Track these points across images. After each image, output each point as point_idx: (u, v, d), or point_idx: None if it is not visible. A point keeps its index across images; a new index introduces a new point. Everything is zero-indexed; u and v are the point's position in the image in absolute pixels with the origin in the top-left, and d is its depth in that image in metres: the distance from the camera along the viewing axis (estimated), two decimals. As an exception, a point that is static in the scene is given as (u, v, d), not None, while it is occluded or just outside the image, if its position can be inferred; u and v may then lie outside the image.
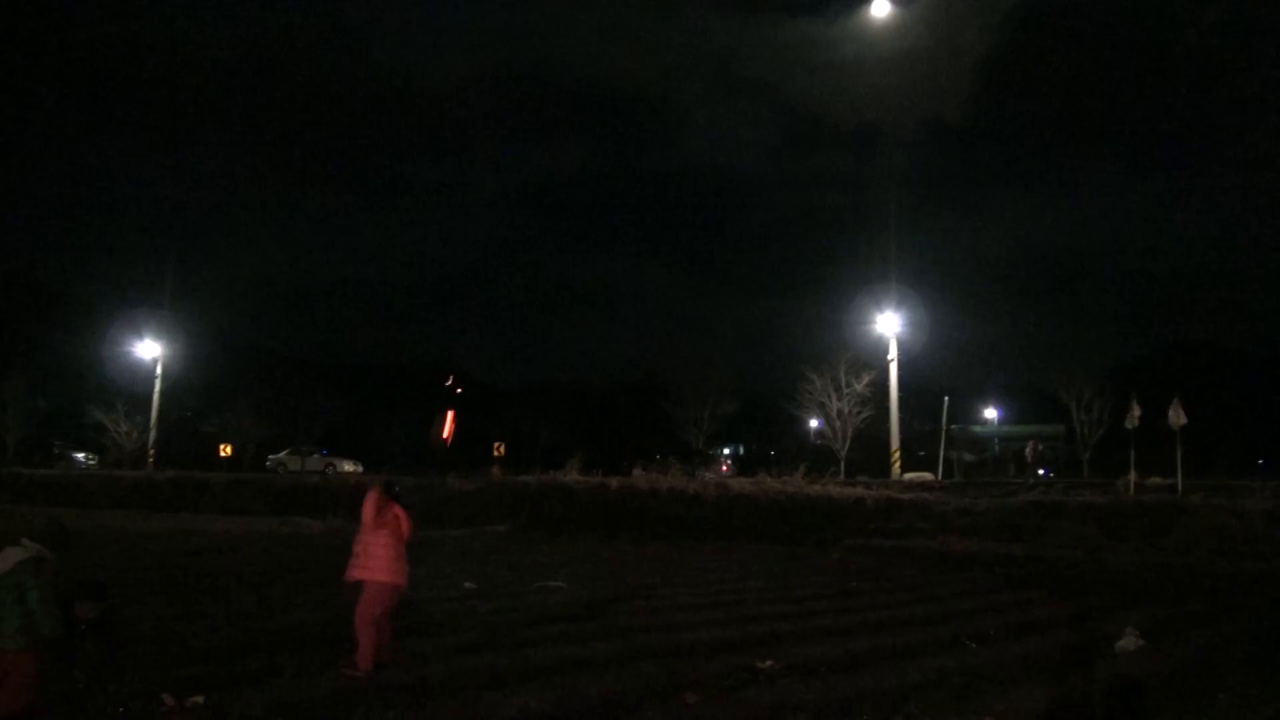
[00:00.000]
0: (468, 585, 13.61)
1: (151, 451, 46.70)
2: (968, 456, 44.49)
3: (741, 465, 51.57)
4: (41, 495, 33.67)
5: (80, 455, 53.21)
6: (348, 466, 44.33)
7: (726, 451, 61.53)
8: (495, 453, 42.52)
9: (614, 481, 29.53)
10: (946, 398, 40.74)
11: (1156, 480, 26.35)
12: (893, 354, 38.73)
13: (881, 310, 39.43)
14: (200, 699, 6.40)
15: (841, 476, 35.11)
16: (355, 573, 7.76)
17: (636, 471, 36.70)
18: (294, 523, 26.98)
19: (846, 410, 40.21)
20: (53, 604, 5.85)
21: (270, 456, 46.84)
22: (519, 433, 54.27)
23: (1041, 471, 42.07)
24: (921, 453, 45.07)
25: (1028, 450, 42.83)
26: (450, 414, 9.11)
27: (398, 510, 7.95)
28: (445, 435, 9.11)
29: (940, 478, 36.41)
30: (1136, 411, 24.97)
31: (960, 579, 15.90)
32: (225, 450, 48.71)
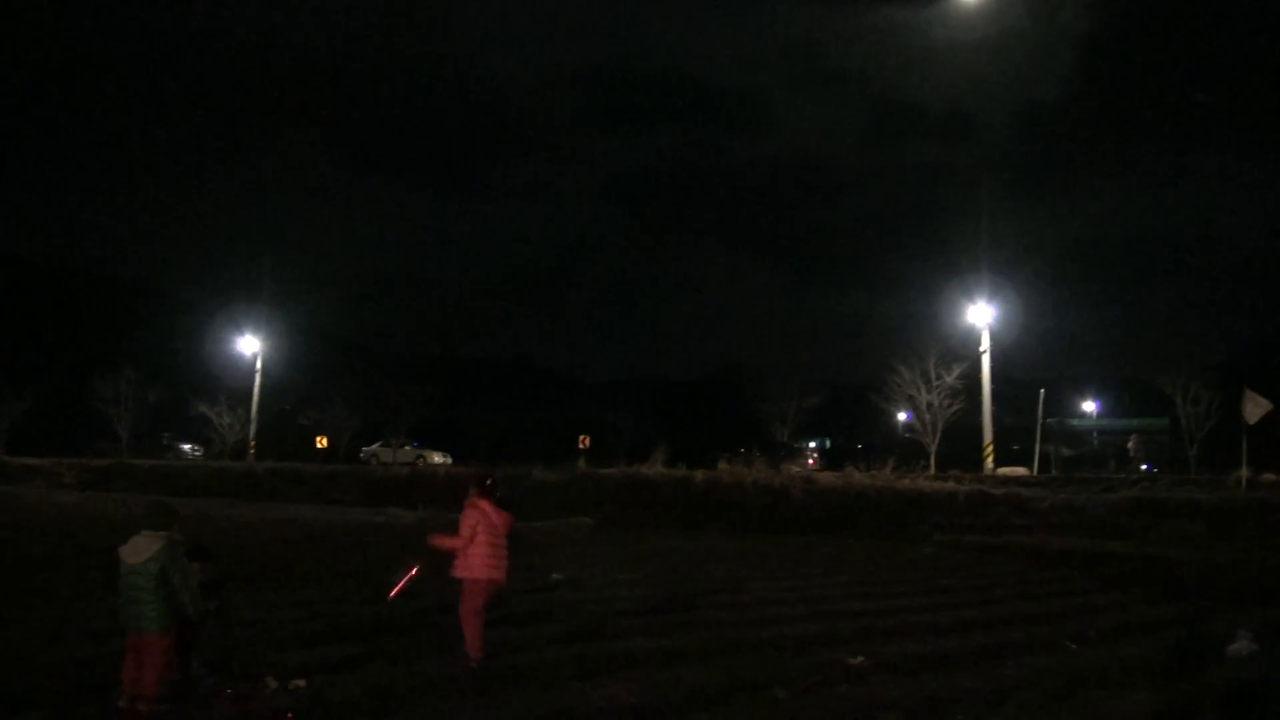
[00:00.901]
0: (555, 577, 13.78)
1: (252, 443, 48.47)
2: (1065, 451, 43.05)
3: (828, 459, 50.94)
4: (152, 484, 35.28)
5: (187, 446, 55.60)
6: (437, 458, 45.31)
7: (812, 445, 60.79)
8: (580, 445, 42.92)
9: (699, 475, 29.51)
10: (1042, 390, 39.55)
11: (1270, 477, 25.09)
12: (985, 345, 37.75)
13: (973, 301, 38.44)
14: (302, 682, 6.63)
15: (932, 471, 34.43)
16: (455, 571, 7.96)
17: (721, 465, 36.55)
18: (387, 513, 27.66)
19: (936, 403, 39.30)
20: (193, 585, 6.17)
21: (364, 448, 48.17)
22: (603, 426, 54.68)
23: (1144, 466, 40.51)
24: (1016, 447, 43.85)
25: (1130, 444, 41.28)
26: (413, 571, 9.23)
27: (486, 508, 8.05)
28: (390, 594, 9.29)
29: (1036, 473, 35.40)
30: (1254, 404, 23.69)
31: (1058, 577, 15.43)
32: (321, 442, 50.21)
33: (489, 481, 8.28)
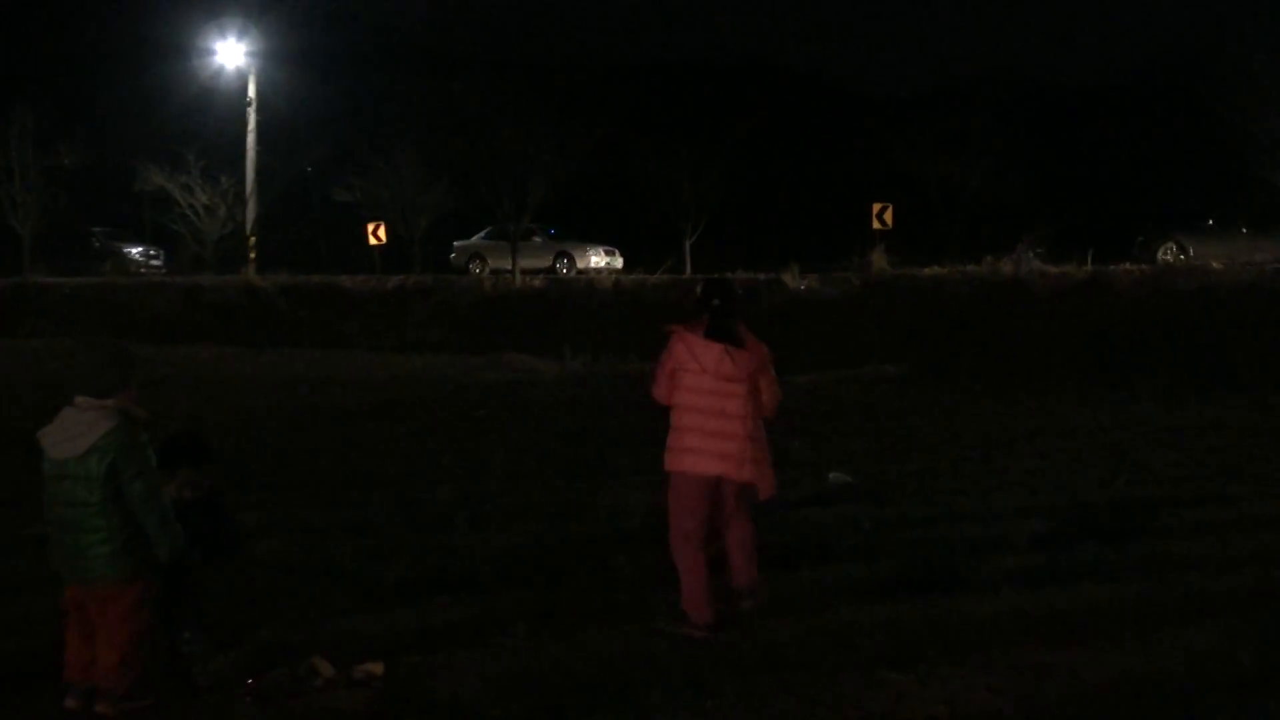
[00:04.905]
0: (834, 477, 14.02)
1: (251, 240, 50.83)
2: None
3: None
4: (80, 318, 37.62)
5: (135, 250, 58.40)
6: (596, 259, 46.16)
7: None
8: (875, 224, 42.26)
9: (1119, 272, 29.06)
10: None
11: None
12: None
13: None
14: (378, 667, 7.08)
15: None
16: (666, 458, 8.32)
17: (1163, 253, 35.79)
18: (507, 363, 28.74)
19: None
20: (167, 502, 6.61)
21: (456, 243, 49.51)
22: (919, 183, 53.57)
23: None
24: None
25: None
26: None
27: (695, 342, 8.10)
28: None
29: None
30: None
31: None
32: (376, 234, 51.63)
33: (701, 290, 8.35)
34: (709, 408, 8.06)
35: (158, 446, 6.84)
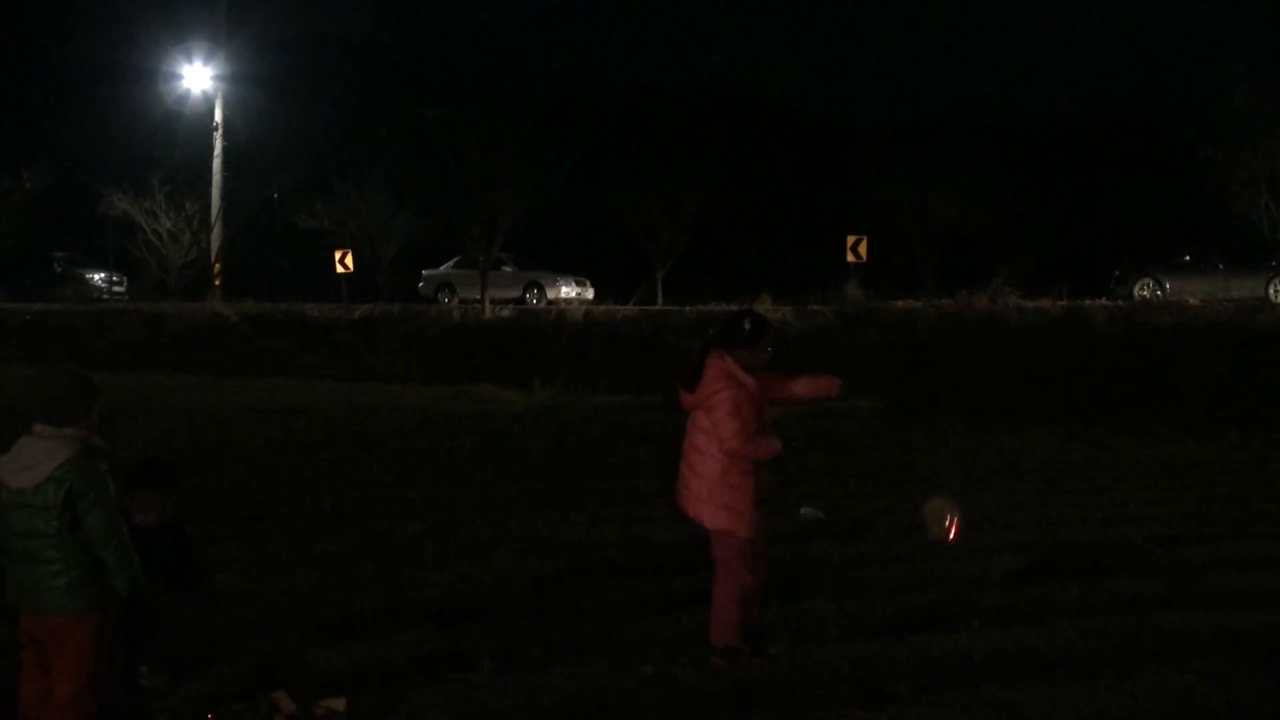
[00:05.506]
0: (806, 513, 14.00)
1: (216, 267, 50.51)
2: None
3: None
4: (40, 345, 37.24)
5: (97, 276, 58.04)
6: (567, 289, 46.09)
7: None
8: (850, 257, 42.34)
9: (1095, 308, 29.09)
10: None
11: None
12: None
13: None
14: (339, 703, 7.05)
15: None
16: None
17: (1139, 289, 35.96)
18: (476, 394, 28.60)
19: None
20: (125, 532, 6.49)
21: (424, 271, 49.37)
22: (896, 213, 53.58)
23: None
24: None
25: None
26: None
27: (734, 376, 8.24)
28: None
29: None
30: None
31: None
32: (344, 262, 51.34)
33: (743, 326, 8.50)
34: (688, 437, 8.23)
35: (122, 471, 6.76)
